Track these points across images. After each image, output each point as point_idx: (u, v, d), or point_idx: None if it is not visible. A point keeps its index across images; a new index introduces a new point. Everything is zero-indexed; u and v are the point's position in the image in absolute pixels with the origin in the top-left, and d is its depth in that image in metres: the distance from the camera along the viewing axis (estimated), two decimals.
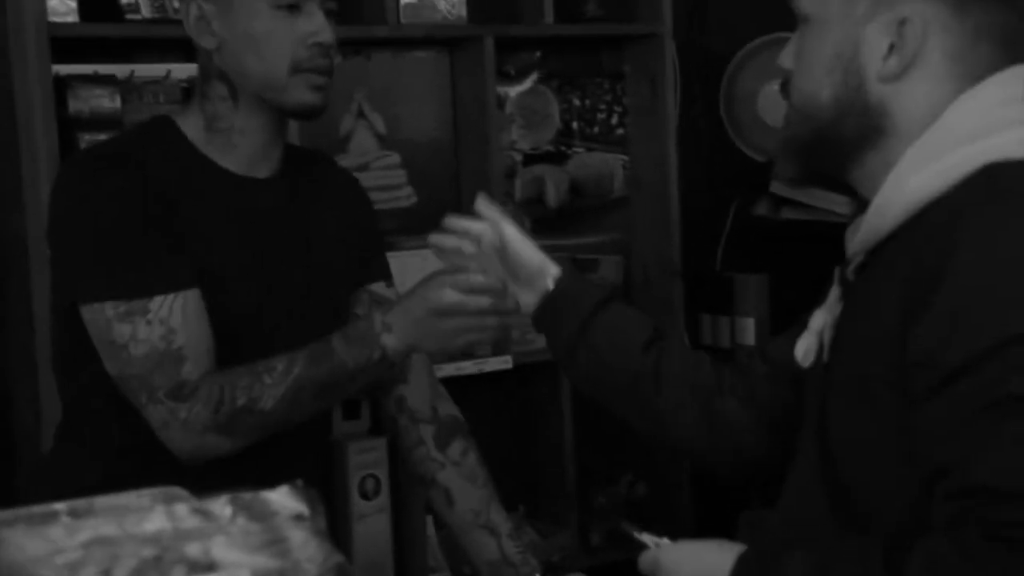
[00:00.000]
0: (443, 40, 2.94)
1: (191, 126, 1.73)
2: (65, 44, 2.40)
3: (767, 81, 3.28)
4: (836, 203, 2.89)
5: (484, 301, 1.58)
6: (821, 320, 1.33)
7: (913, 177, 1.22)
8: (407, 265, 3.00)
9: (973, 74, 1.24)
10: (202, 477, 1.12)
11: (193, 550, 0.62)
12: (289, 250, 1.76)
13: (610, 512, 3.15)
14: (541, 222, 3.16)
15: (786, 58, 1.34)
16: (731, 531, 3.08)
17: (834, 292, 1.33)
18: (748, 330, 3.20)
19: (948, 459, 1.10)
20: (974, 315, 1.10)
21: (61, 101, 2.44)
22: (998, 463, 1.06)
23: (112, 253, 1.62)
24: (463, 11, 2.86)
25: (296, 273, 1.77)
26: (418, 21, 2.80)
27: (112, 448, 1.71)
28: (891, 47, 1.25)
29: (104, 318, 1.61)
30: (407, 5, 2.79)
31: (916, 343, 1.13)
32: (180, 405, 1.60)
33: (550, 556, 2.99)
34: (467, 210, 2.93)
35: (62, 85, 2.46)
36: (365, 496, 2.84)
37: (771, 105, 3.28)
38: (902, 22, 1.24)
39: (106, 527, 0.66)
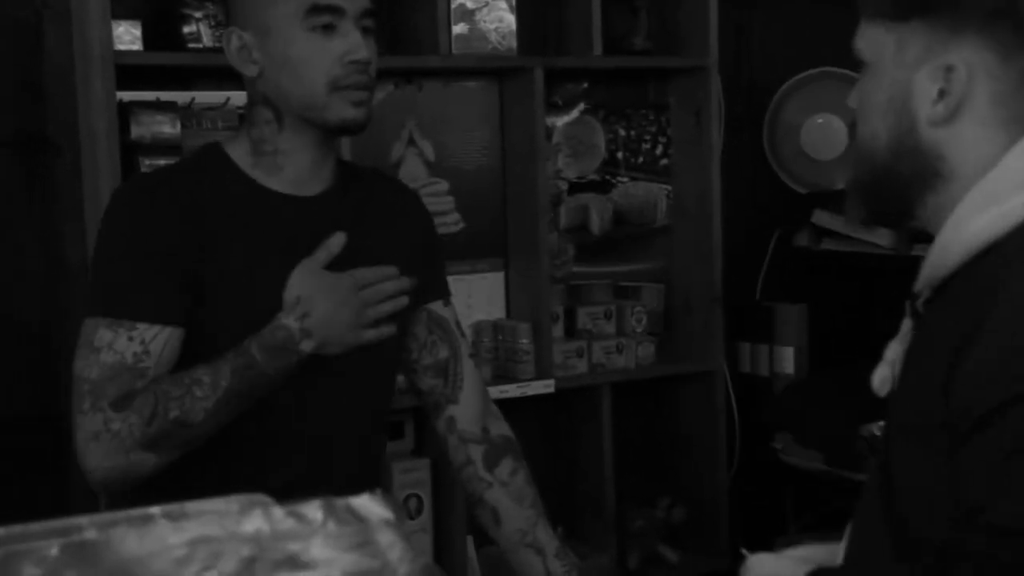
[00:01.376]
0: (493, 70, 3.01)
1: (239, 151, 1.80)
2: (129, 71, 2.48)
3: (811, 114, 3.33)
4: (877, 235, 2.93)
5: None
6: (894, 351, 1.37)
7: (974, 219, 1.25)
8: (455, 289, 3.06)
9: (1019, 118, 1.27)
10: None
11: (291, 548, 0.68)
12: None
13: (648, 535, 3.19)
14: (585, 249, 3.23)
15: (853, 98, 1.37)
16: None
17: (906, 324, 1.36)
18: (787, 359, 3.25)
19: (976, 500, 1.14)
20: (1005, 367, 1.14)
21: (123, 126, 2.52)
22: (1017, 507, 1.10)
23: (118, 278, 1.72)
24: (513, 42, 2.92)
25: None
26: (469, 52, 2.87)
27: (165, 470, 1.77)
28: (940, 92, 1.28)
29: (94, 324, 1.69)
30: (459, 36, 2.86)
31: (956, 390, 1.17)
32: (116, 415, 1.64)
33: None
34: (513, 236, 3.03)
35: (125, 111, 2.53)
36: (408, 515, 2.90)
37: (814, 138, 3.33)
38: (949, 68, 1.27)
39: (209, 527, 0.72)
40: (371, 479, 1.88)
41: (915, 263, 1.37)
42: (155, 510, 0.90)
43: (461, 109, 3.04)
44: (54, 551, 0.81)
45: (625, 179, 3.28)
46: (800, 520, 3.19)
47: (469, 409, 1.96)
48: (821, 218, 3.13)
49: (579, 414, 3.13)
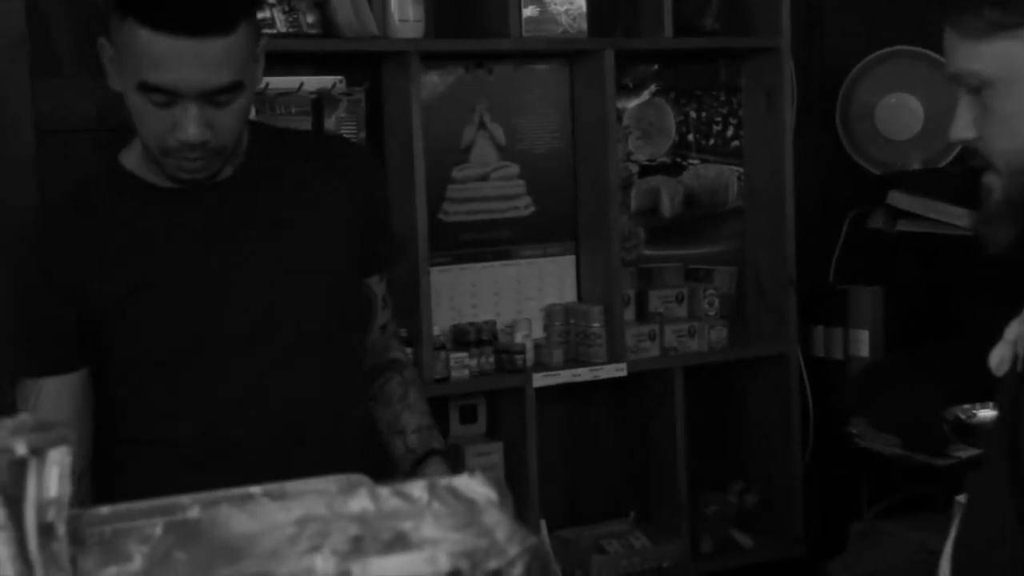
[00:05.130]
0: (563, 53, 3.00)
1: (131, 157, 1.76)
2: None
3: (885, 94, 3.29)
4: (956, 216, 2.88)
5: None
6: (1016, 330, 1.34)
7: None
8: (524, 274, 3.07)
9: None
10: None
11: (402, 527, 0.68)
12: (257, 238, 1.76)
13: (721, 520, 3.18)
14: (656, 232, 3.21)
15: (964, 130, 1.31)
16: (842, 541, 3.10)
17: None
18: (862, 342, 3.21)
19: None
20: None
21: None
22: None
23: (8, 332, 1.78)
24: (584, 24, 2.91)
25: (259, 269, 1.76)
26: (540, 34, 2.86)
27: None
28: None
29: None
30: (529, 19, 2.85)
31: None
32: None
33: (661, 563, 3.02)
34: (584, 219, 3.02)
35: None
36: None
37: (889, 118, 3.29)
38: None
39: (315, 506, 0.72)
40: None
41: None
42: (255, 489, 0.91)
43: (531, 92, 3.04)
44: (158, 530, 0.81)
45: (696, 161, 3.26)
46: (876, 506, 3.16)
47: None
48: (897, 199, 3.09)
49: (651, 398, 3.12)
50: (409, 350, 2.65)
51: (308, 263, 1.78)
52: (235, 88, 1.61)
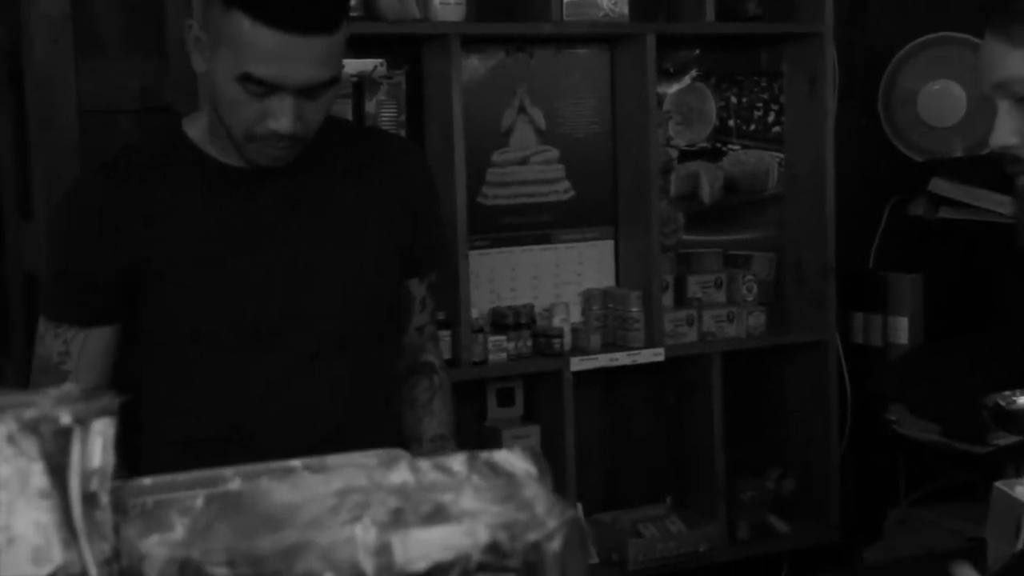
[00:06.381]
0: (604, 37, 2.99)
1: (196, 127, 1.76)
2: None
3: (928, 80, 3.26)
4: (997, 203, 2.86)
5: None
6: None
7: None
8: (562, 258, 3.07)
9: None
10: None
11: (441, 499, 0.69)
12: (297, 233, 1.76)
13: (758, 505, 3.17)
14: (695, 218, 3.21)
15: (1007, 137, 1.31)
16: (879, 528, 3.08)
17: None
18: (901, 329, 3.20)
19: None
20: None
21: None
22: None
23: (50, 278, 1.83)
24: (625, 8, 2.90)
25: (304, 257, 1.76)
26: (581, 18, 2.86)
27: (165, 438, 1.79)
28: None
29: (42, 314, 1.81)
30: (570, 3, 2.84)
31: None
32: None
33: (697, 547, 3.02)
34: (623, 204, 3.02)
35: None
36: None
37: (931, 105, 3.26)
38: None
39: (356, 479, 0.73)
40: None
41: None
42: (295, 463, 0.92)
43: (572, 76, 3.03)
44: (199, 501, 0.82)
45: (736, 147, 3.25)
46: (913, 493, 3.14)
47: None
48: (939, 186, 3.06)
49: (689, 383, 3.12)
50: (447, 333, 2.67)
51: (343, 258, 1.78)
52: (332, 83, 1.65)
